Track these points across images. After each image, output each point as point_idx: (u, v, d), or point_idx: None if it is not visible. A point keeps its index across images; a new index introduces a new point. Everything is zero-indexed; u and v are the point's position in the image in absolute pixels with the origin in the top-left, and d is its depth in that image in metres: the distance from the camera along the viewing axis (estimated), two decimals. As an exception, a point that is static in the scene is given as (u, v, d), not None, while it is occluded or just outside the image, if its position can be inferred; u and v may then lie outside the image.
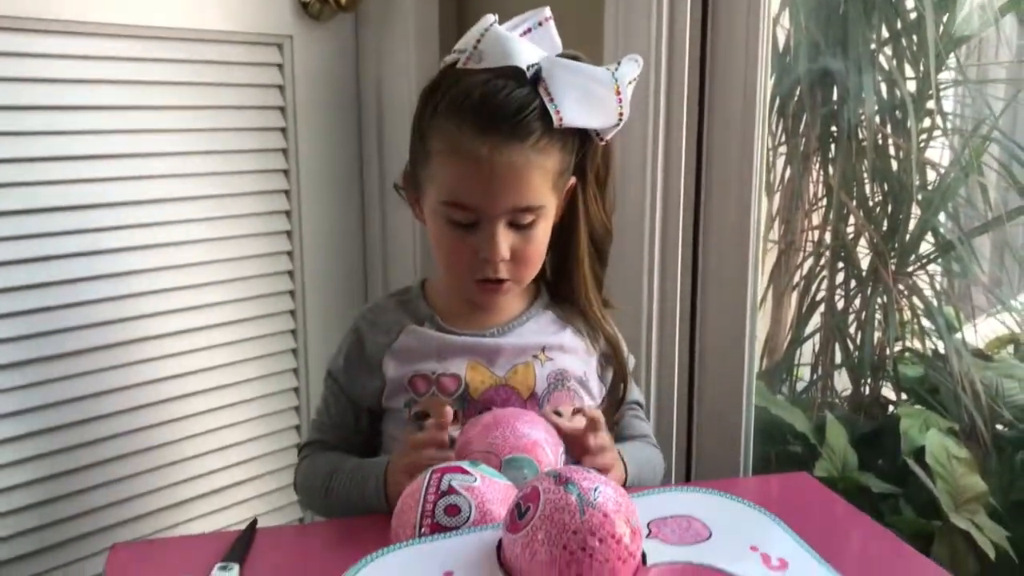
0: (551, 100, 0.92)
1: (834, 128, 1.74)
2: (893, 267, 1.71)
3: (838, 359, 1.81)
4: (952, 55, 1.75)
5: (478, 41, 0.93)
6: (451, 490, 0.76)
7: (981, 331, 1.86)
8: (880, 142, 1.71)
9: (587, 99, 0.94)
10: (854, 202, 1.75)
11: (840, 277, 1.81)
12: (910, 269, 1.74)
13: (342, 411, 1.07)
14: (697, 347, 1.37)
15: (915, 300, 1.77)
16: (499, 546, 0.70)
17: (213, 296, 1.36)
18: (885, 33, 1.76)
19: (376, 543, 0.72)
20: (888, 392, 1.83)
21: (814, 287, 1.82)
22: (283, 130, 1.42)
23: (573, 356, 1.05)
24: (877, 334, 1.75)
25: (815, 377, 1.83)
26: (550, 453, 0.88)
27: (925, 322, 1.80)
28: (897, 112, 1.72)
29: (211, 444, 1.39)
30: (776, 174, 1.79)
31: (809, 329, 1.85)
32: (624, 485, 0.96)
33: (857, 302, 1.81)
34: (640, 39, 1.27)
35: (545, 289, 1.10)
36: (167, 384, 1.32)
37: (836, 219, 1.76)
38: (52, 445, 1.21)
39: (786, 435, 1.58)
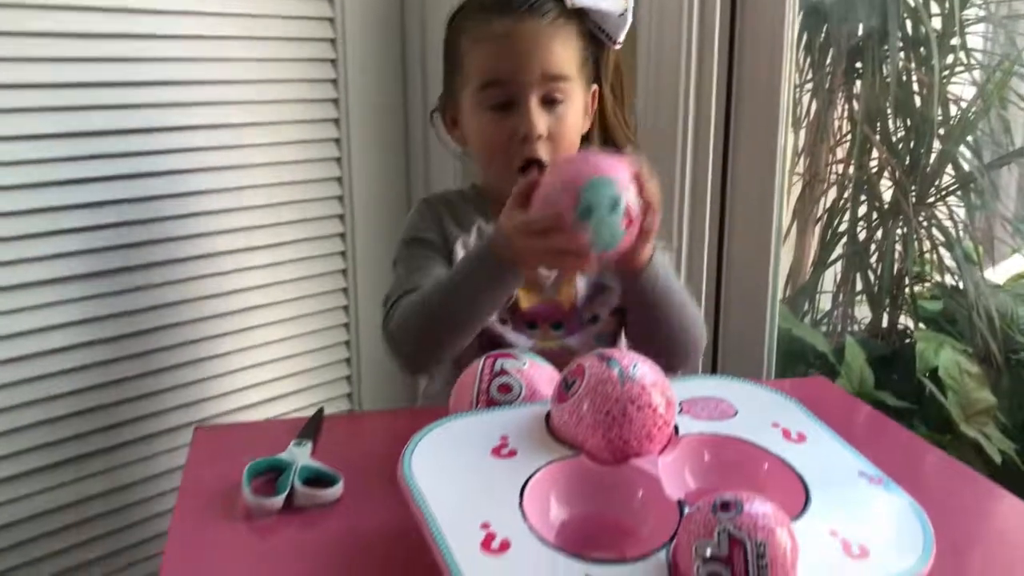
0: None
1: (859, 64, 1.79)
2: (914, 199, 1.77)
3: (859, 289, 1.88)
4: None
5: None
6: (503, 371, 0.85)
7: (1005, 268, 1.92)
8: (904, 78, 1.76)
9: None
10: (877, 136, 1.81)
11: (863, 210, 1.87)
12: (930, 200, 1.80)
13: (427, 260, 1.08)
14: (724, 270, 1.45)
15: (935, 232, 1.83)
16: (547, 417, 0.79)
17: (269, 218, 1.45)
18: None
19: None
20: (907, 322, 1.90)
21: (837, 220, 1.88)
22: (333, 61, 1.49)
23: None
24: (897, 265, 1.82)
25: (837, 303, 1.90)
26: (625, 171, 0.89)
27: (946, 257, 1.87)
28: (922, 49, 1.77)
29: (268, 354, 1.50)
30: (803, 109, 1.85)
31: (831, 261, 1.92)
32: (646, 272, 1.00)
33: (879, 235, 1.88)
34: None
35: None
36: (230, 298, 1.43)
37: (860, 153, 1.81)
38: (126, 351, 1.33)
39: (807, 355, 1.66)
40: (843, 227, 1.87)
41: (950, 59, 1.78)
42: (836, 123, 1.85)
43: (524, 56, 1.02)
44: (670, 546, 0.64)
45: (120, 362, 1.32)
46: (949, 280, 1.88)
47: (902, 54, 1.73)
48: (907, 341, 1.82)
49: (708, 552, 0.60)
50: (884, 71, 1.74)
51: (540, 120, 1.03)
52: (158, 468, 1.38)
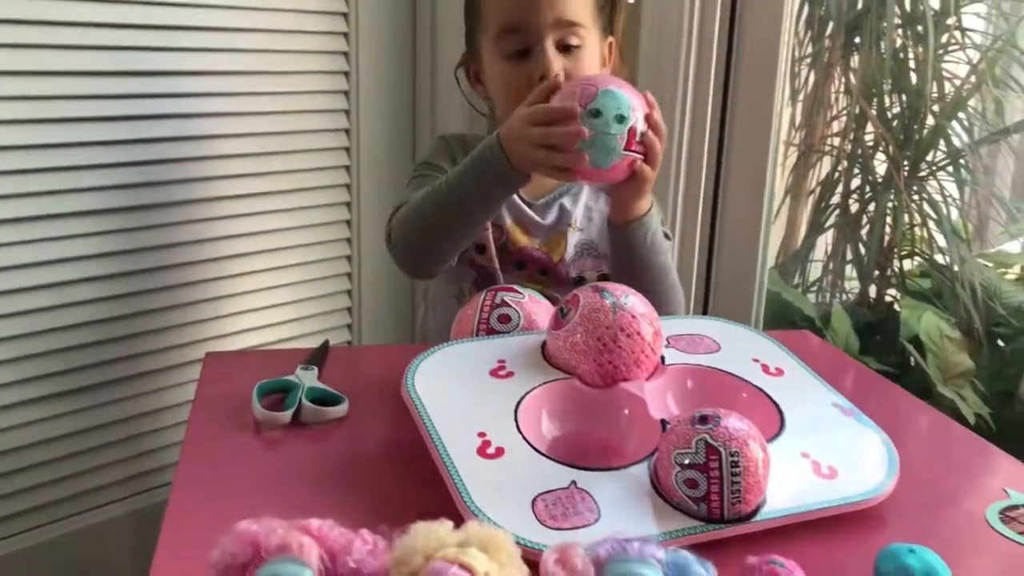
0: None
1: (857, 39, 1.83)
2: (906, 173, 1.82)
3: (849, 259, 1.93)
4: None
5: None
6: (503, 303, 0.90)
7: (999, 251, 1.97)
8: (900, 55, 1.80)
9: None
10: (874, 110, 1.85)
11: (856, 183, 1.92)
12: (922, 175, 1.85)
13: (434, 180, 1.10)
14: (717, 232, 1.50)
15: (926, 207, 1.88)
16: (543, 345, 0.84)
17: (277, 165, 1.50)
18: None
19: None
20: (894, 293, 1.95)
21: (830, 191, 1.93)
22: (344, 15, 1.53)
23: (601, 225, 1.16)
24: (887, 238, 1.87)
25: (827, 271, 1.95)
26: (639, 100, 0.95)
27: (936, 233, 1.92)
28: (919, 26, 1.81)
29: (276, 279, 1.55)
30: (800, 81, 1.89)
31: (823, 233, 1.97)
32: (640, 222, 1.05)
33: (871, 207, 1.93)
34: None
35: None
36: (237, 241, 1.48)
37: (855, 126, 1.86)
38: (142, 285, 1.38)
39: (795, 318, 1.71)
40: (836, 199, 1.92)
41: (945, 38, 1.83)
42: (833, 96, 1.89)
43: (538, 1, 1.06)
44: (652, 458, 0.70)
45: (133, 296, 1.38)
46: (938, 257, 1.93)
47: (899, 31, 1.77)
48: (894, 309, 1.87)
49: (686, 460, 0.66)
50: (881, 47, 1.78)
51: (556, 61, 1.07)
52: (171, 400, 1.44)
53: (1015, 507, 0.74)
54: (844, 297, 1.96)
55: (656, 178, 1.00)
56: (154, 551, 0.63)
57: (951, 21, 1.79)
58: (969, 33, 1.87)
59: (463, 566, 0.47)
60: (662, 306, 1.02)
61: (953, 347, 1.55)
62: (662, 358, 0.83)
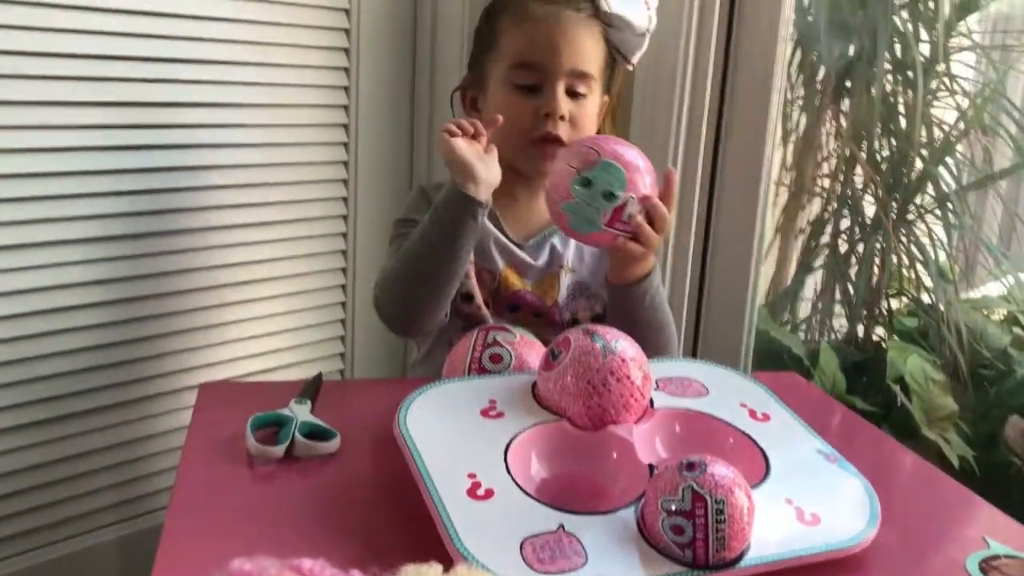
0: None
1: (848, 83, 1.87)
2: (894, 216, 1.85)
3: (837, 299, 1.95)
4: (963, 22, 1.86)
5: None
6: (495, 343, 0.92)
7: (984, 291, 1.99)
8: (891, 100, 1.83)
9: None
10: (863, 153, 1.88)
11: (845, 224, 1.94)
12: (910, 218, 1.87)
13: None
14: (707, 270, 1.52)
15: (913, 249, 1.90)
16: (534, 386, 0.85)
17: (274, 195, 1.51)
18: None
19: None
20: (882, 333, 1.98)
21: (820, 231, 1.95)
22: (345, 50, 1.55)
23: (594, 266, 1.18)
24: (875, 278, 1.89)
25: (816, 311, 1.97)
26: (647, 180, 0.95)
27: (923, 275, 1.94)
28: (909, 72, 1.84)
29: (270, 308, 1.56)
30: (792, 123, 1.92)
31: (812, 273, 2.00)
32: (641, 284, 1.06)
33: (860, 248, 1.95)
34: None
35: None
36: (235, 270, 1.49)
37: (845, 168, 1.89)
38: (135, 312, 1.39)
39: (783, 356, 1.73)
40: (825, 239, 1.95)
41: (935, 84, 1.86)
42: (824, 138, 1.92)
43: (558, 44, 1.11)
44: (639, 503, 0.71)
45: (126, 324, 1.38)
46: (925, 297, 1.96)
47: (889, 76, 1.80)
48: (882, 348, 1.89)
49: (673, 507, 0.67)
50: (872, 91, 1.82)
51: (564, 103, 1.11)
52: (163, 427, 1.44)
53: (995, 557, 0.76)
54: (832, 336, 1.98)
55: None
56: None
57: (940, 68, 1.83)
58: (958, 80, 1.91)
59: (453, 612, 0.48)
60: (657, 354, 1.02)
61: (937, 390, 1.57)
62: (651, 402, 0.85)
